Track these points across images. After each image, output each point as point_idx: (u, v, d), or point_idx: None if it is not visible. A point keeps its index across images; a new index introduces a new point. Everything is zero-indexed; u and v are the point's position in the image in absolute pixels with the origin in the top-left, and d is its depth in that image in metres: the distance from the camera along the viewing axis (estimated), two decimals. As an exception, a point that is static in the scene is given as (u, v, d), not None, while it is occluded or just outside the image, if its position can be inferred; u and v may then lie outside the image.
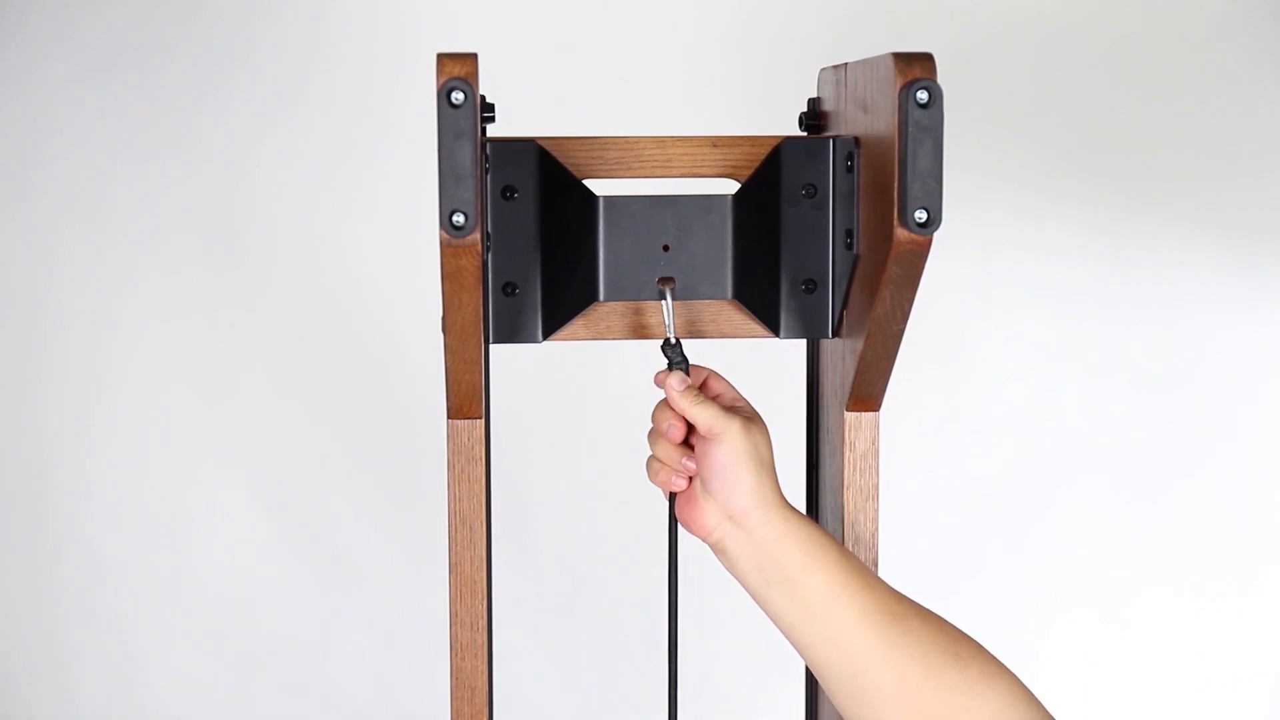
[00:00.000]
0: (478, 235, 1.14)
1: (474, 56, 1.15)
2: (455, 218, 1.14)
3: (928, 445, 2.57)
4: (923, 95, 1.14)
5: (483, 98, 1.24)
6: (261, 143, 2.52)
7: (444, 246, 1.15)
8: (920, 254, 1.17)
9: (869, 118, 1.23)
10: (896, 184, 1.16)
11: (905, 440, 2.42)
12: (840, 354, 1.34)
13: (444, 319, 1.22)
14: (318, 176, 2.53)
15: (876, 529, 1.34)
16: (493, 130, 1.30)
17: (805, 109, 1.42)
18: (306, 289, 2.55)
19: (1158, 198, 2.58)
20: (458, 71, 1.14)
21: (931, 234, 1.16)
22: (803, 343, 1.41)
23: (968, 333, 2.58)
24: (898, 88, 1.15)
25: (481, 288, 1.20)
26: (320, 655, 2.61)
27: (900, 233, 1.17)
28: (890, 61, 1.16)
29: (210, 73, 2.51)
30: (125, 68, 2.49)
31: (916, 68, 1.15)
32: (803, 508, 1.44)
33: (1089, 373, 2.61)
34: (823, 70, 1.40)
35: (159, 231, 2.54)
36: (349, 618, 2.60)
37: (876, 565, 1.34)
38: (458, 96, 1.13)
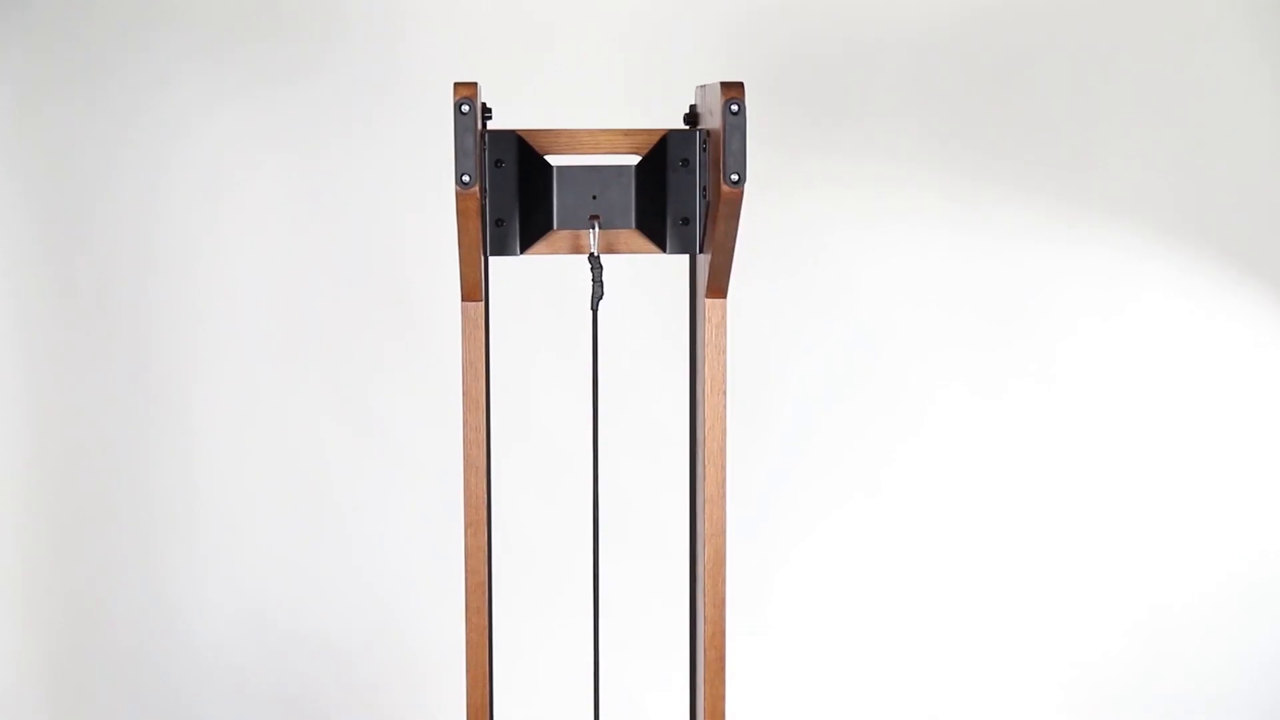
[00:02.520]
0: (477, 188, 1.97)
1: (475, 84, 1.98)
2: (464, 178, 1.96)
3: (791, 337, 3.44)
4: (734, 106, 1.96)
5: (484, 104, 2.06)
6: (294, 112, 3.35)
7: (457, 195, 1.98)
8: (736, 200, 1.99)
9: (712, 118, 2.06)
10: (721, 158, 1.98)
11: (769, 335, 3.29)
12: (705, 265, 2.16)
13: (459, 241, 2.05)
14: (347, 147, 3.37)
15: (724, 361, 2.15)
16: (490, 125, 2.13)
17: (687, 111, 2.24)
18: (358, 251, 3.39)
19: (1006, 162, 3.44)
20: (465, 93, 1.97)
21: (741, 188, 1.98)
22: (685, 257, 2.24)
23: (854, 271, 3.43)
24: (722, 102, 1.97)
25: (480, 219, 2.03)
26: (349, 498, 3.45)
27: (724, 188, 1.99)
28: (719, 86, 1.99)
29: (227, 49, 3.32)
30: (132, 47, 3.31)
31: (733, 90, 1.97)
32: (686, 376, 2.27)
33: (944, 284, 3.46)
34: (697, 87, 2.22)
35: (234, 179, 3.37)
36: (373, 463, 3.44)
37: (724, 394, 2.16)
38: (465, 107, 1.96)
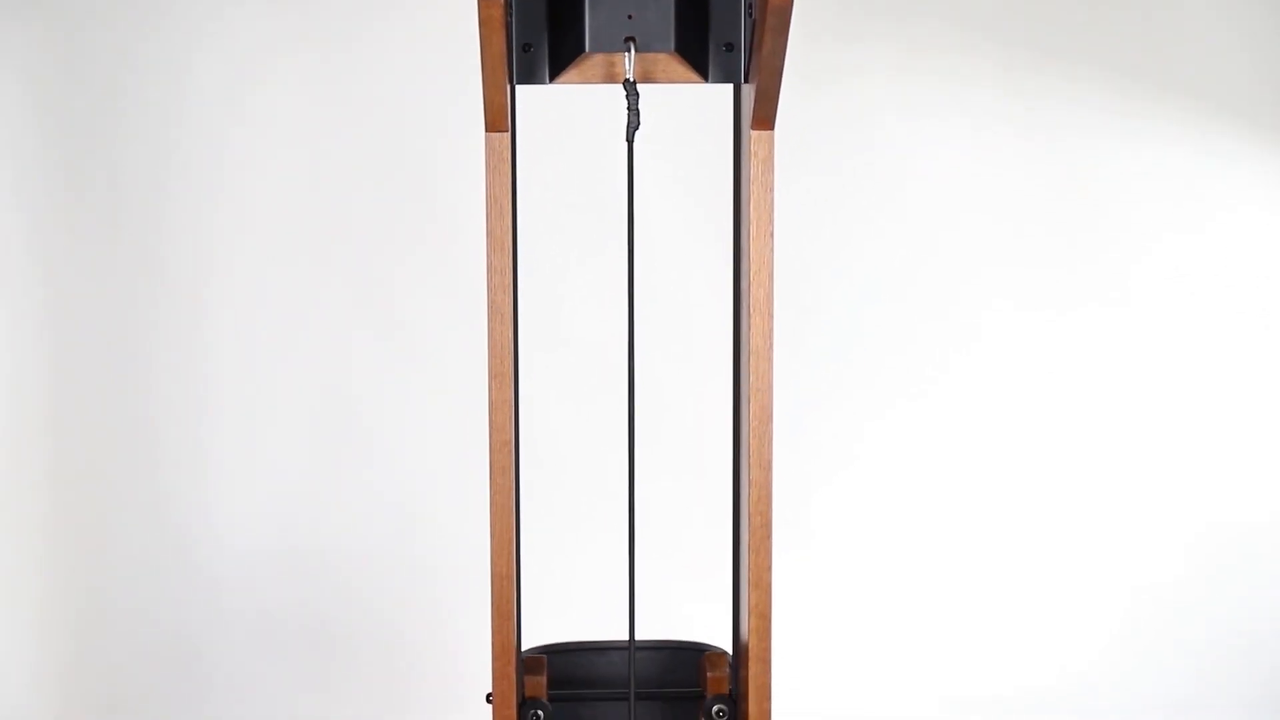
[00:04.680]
0: (501, -6, 1.80)
1: (499, -119, 1.80)
2: (487, -20, 1.79)
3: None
4: (785, -94, 1.78)
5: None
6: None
7: (479, 3, 1.80)
8: (785, 9, 1.81)
9: (760, -75, 1.87)
10: (770, -37, 1.80)
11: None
12: (750, 94, 1.98)
13: (482, 61, 1.87)
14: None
15: (771, 200, 1.98)
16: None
17: (732, -70, 2.06)
18: (381, 153, 3.24)
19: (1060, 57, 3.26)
20: (489, -110, 1.79)
21: (792, -6, 1.80)
22: (729, 89, 2.06)
23: (907, 167, 3.27)
24: (771, -99, 1.79)
25: (506, 33, 1.85)
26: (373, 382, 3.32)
27: (773, -6, 1.81)
28: (768, -115, 1.80)
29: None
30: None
31: (784, -111, 1.79)
32: (730, 208, 2.09)
33: (1004, 187, 3.29)
34: (743, -98, 2.04)
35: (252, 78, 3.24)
36: (397, 373, 3.31)
37: (771, 236, 1.98)
38: (488, -96, 1.78)
